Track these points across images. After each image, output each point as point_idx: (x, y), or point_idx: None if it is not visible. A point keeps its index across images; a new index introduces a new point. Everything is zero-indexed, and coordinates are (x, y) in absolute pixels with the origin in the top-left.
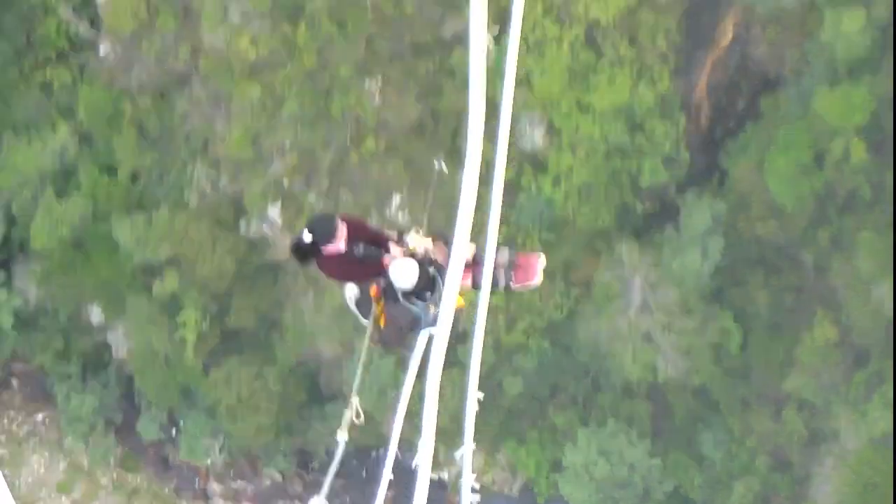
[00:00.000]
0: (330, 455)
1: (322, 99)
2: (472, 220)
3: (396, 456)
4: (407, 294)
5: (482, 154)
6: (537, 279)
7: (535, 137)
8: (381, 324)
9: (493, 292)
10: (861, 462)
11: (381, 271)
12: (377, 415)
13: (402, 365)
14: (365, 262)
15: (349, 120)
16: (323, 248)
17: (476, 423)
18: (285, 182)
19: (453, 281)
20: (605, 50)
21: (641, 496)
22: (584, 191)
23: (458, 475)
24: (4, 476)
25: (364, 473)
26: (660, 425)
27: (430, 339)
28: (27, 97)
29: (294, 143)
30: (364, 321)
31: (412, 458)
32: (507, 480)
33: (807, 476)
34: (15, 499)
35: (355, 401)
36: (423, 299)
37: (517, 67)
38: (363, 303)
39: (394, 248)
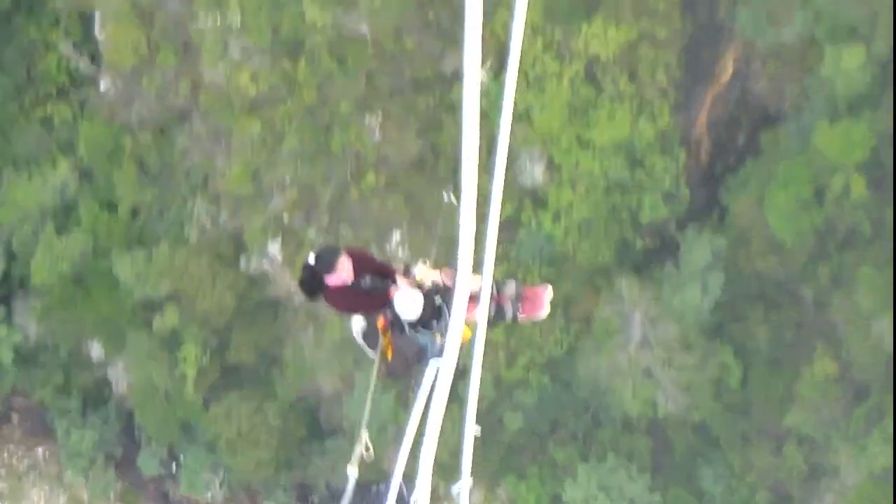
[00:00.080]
0: (331, 489)
1: (322, 134)
2: (472, 252)
3: (399, 490)
4: (413, 324)
5: (484, 187)
6: (544, 311)
7: (535, 173)
8: (388, 355)
9: (500, 324)
10: (861, 497)
11: (387, 303)
12: (377, 450)
13: (402, 400)
14: (372, 294)
15: (349, 155)
16: (327, 279)
17: (476, 459)
18: (285, 218)
19: (458, 315)
20: (605, 85)
21: None
22: (584, 227)
23: None
24: None
25: None
26: (660, 460)
27: (437, 372)
28: (27, 132)
29: (294, 178)
30: (371, 354)
31: (412, 493)
32: None
33: None
34: None
35: (365, 435)
36: (430, 328)
37: (517, 103)
38: (370, 335)
39: (401, 280)
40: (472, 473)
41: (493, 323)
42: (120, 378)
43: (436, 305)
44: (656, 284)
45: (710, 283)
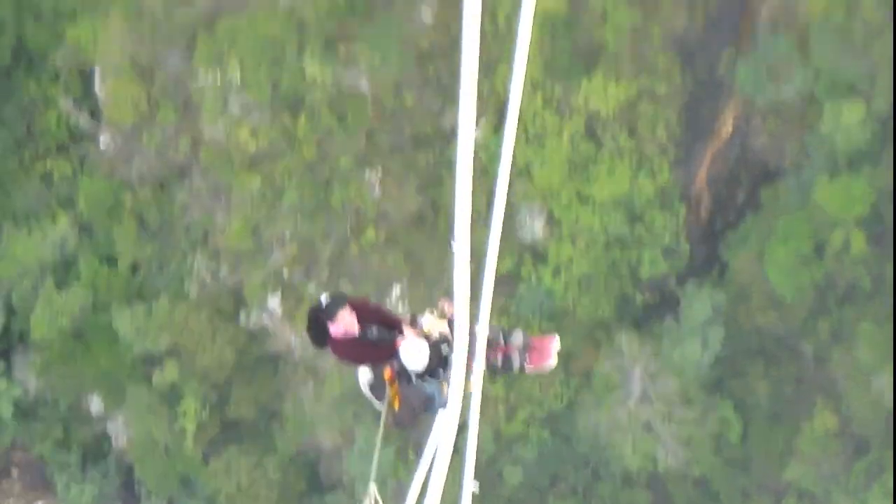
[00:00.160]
0: None
1: (322, 190)
2: (468, 304)
3: None
4: (420, 374)
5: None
6: (552, 361)
7: (535, 228)
8: (395, 406)
9: (508, 374)
10: None
11: (394, 353)
12: None
13: (402, 456)
14: (378, 345)
15: (349, 211)
16: (329, 327)
17: None
18: (285, 273)
19: (460, 366)
20: (604, 141)
21: None
22: (583, 282)
23: None
24: None
25: None
26: None
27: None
28: (27, 188)
29: (294, 233)
30: (378, 405)
31: None
32: None
33: None
34: None
35: (373, 488)
36: (437, 377)
37: (517, 158)
38: (377, 387)
39: (407, 331)
40: None
41: (500, 373)
42: (120, 432)
43: (443, 355)
44: (656, 339)
45: (710, 337)
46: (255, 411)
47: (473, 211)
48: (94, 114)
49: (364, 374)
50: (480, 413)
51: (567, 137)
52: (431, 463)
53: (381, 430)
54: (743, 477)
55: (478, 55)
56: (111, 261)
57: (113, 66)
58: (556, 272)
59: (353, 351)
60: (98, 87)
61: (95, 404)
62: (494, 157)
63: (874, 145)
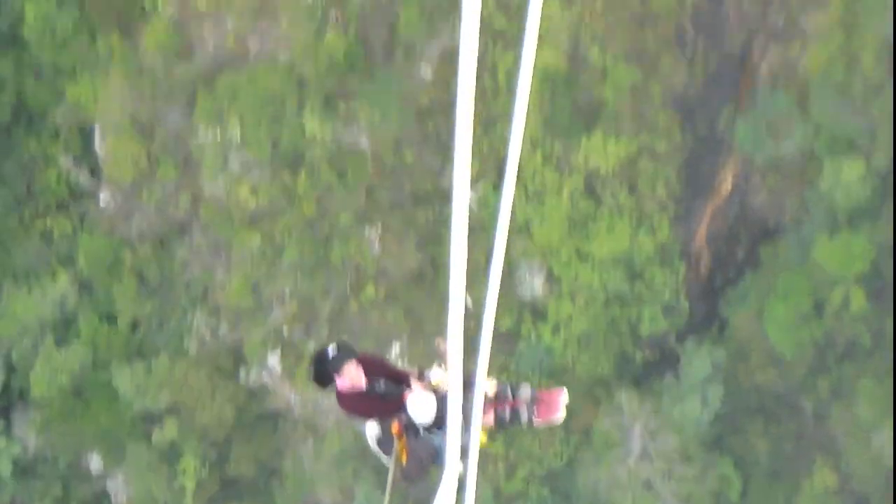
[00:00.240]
0: None
1: (322, 247)
2: (461, 356)
3: None
4: (428, 427)
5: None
6: (560, 414)
7: (535, 285)
8: (403, 459)
9: (516, 428)
10: None
11: (402, 407)
12: None
13: None
14: (386, 399)
15: (349, 268)
16: (336, 380)
17: None
18: (285, 330)
19: (454, 424)
20: (604, 199)
21: None
22: (583, 339)
23: None
24: None
25: None
26: None
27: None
28: (27, 246)
29: (294, 291)
30: (385, 460)
31: None
32: None
33: None
34: None
35: None
36: (445, 429)
37: (517, 215)
38: (385, 441)
39: (415, 384)
40: None
41: (509, 426)
42: (119, 490)
43: None
44: (656, 397)
45: (709, 395)
46: (255, 469)
47: (473, 268)
48: (94, 171)
49: (372, 428)
50: (480, 471)
51: (567, 195)
52: None
53: (389, 485)
54: None
55: (477, 112)
56: (111, 318)
57: (113, 123)
58: (556, 329)
59: (360, 405)
60: (98, 144)
61: (95, 462)
62: (494, 214)
63: (874, 201)
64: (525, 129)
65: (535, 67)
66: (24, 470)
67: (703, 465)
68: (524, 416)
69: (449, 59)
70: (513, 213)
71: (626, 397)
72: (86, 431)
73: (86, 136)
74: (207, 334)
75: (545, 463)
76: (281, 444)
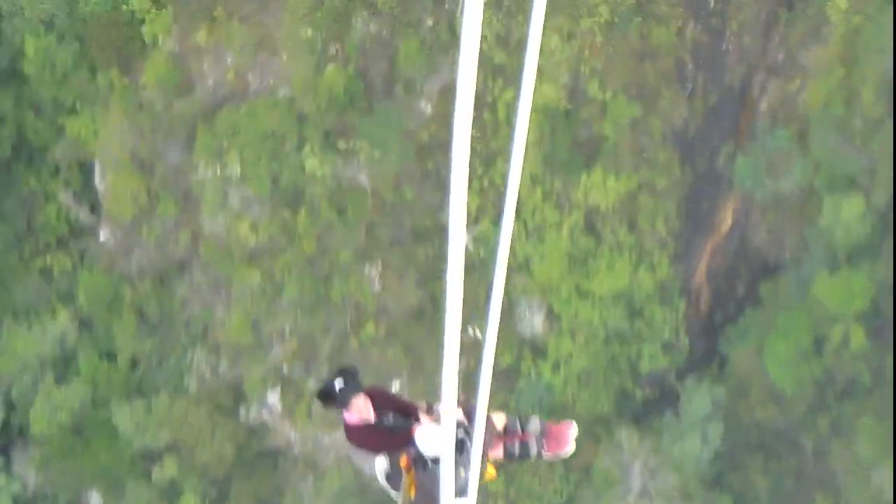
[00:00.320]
0: None
1: (322, 284)
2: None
3: None
4: (436, 460)
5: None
6: (569, 448)
7: (535, 323)
8: (412, 493)
9: (524, 461)
10: None
11: (410, 440)
12: None
13: None
14: (395, 432)
15: (349, 305)
16: (344, 414)
17: None
18: (285, 368)
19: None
20: (604, 235)
21: None
22: (583, 377)
23: None
24: None
25: None
26: None
27: None
28: (27, 282)
29: (294, 328)
30: (394, 495)
31: None
32: None
33: None
34: None
35: None
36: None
37: (517, 252)
38: (393, 476)
39: (424, 418)
40: None
41: (518, 460)
42: None
43: (458, 439)
44: (656, 434)
45: (709, 433)
46: None
47: (473, 304)
48: (94, 207)
49: (380, 463)
50: None
51: (567, 231)
52: None
53: None
54: None
55: (477, 148)
56: (111, 356)
57: (112, 159)
58: (556, 367)
59: (369, 439)
60: (98, 180)
61: (95, 500)
62: (493, 250)
63: (874, 238)
64: (525, 165)
65: (534, 103)
66: None
67: (702, 502)
68: (533, 450)
69: (449, 95)
70: (513, 250)
71: (625, 435)
72: (86, 469)
73: (86, 171)
74: (207, 372)
75: (545, 500)
76: (281, 482)
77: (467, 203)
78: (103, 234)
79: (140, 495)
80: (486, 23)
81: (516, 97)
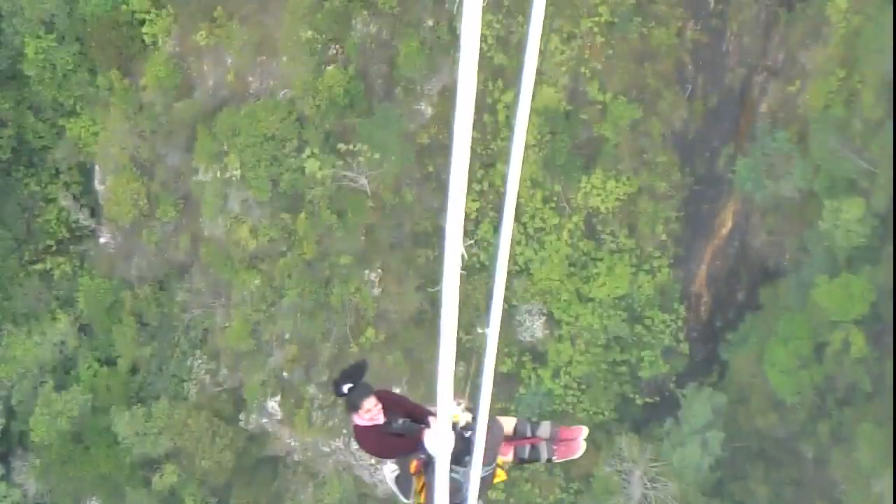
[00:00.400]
0: None
1: (322, 288)
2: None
3: None
4: None
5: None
6: (580, 451)
7: (535, 328)
8: (422, 498)
9: (534, 464)
10: None
11: (420, 444)
12: None
13: None
14: (405, 436)
15: (349, 309)
16: (353, 416)
17: None
18: (285, 373)
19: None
20: (604, 239)
21: None
22: (583, 382)
23: None
24: None
25: None
26: None
27: None
28: (27, 287)
29: (294, 333)
30: (404, 499)
31: None
32: None
33: None
34: None
35: None
36: (463, 465)
37: (517, 256)
38: (403, 481)
39: (433, 421)
40: None
41: (527, 463)
42: None
43: (468, 441)
44: (656, 442)
45: (710, 440)
46: None
47: (473, 308)
48: (94, 210)
49: (390, 468)
50: None
51: (566, 235)
52: None
53: None
54: None
55: (477, 152)
56: (110, 362)
57: (112, 161)
58: (556, 373)
59: (380, 444)
60: (98, 182)
61: None
62: (493, 255)
63: (873, 241)
64: (525, 168)
65: (534, 105)
66: None
67: None
68: (543, 454)
69: (449, 97)
70: (512, 254)
71: (626, 442)
72: (85, 477)
73: (86, 174)
74: (207, 378)
75: None
76: (281, 489)
77: (466, 206)
78: (103, 238)
79: (140, 502)
80: (486, 24)
81: (516, 99)
